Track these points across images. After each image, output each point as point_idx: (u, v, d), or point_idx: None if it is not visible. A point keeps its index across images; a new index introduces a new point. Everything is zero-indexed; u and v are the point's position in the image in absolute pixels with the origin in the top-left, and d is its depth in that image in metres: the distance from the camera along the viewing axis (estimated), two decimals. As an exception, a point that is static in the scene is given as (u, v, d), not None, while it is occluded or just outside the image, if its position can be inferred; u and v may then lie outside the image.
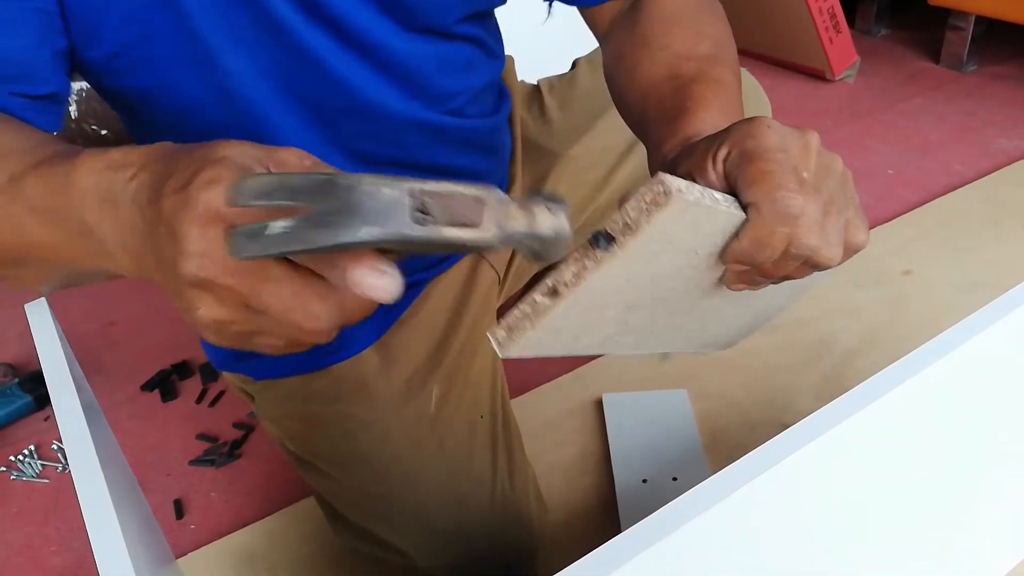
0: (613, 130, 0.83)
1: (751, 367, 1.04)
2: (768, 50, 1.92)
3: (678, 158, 0.43)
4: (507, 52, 0.82)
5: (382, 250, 0.30)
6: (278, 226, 0.27)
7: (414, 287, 0.74)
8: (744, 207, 0.37)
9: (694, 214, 0.35)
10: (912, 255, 1.21)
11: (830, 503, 0.46)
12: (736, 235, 0.38)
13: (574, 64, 0.92)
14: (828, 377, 1.01)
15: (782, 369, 1.03)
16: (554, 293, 0.36)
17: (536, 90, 0.90)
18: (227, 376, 0.79)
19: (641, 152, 0.82)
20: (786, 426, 0.99)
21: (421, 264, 0.74)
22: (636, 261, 0.36)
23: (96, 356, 1.20)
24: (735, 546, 0.41)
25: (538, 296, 0.36)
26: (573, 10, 0.66)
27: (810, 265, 0.39)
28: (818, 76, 1.84)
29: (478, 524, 0.71)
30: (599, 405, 1.01)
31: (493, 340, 0.37)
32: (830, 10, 1.72)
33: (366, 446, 0.69)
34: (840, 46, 1.78)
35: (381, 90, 0.60)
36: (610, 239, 0.35)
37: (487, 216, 0.30)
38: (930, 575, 0.62)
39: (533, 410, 1.01)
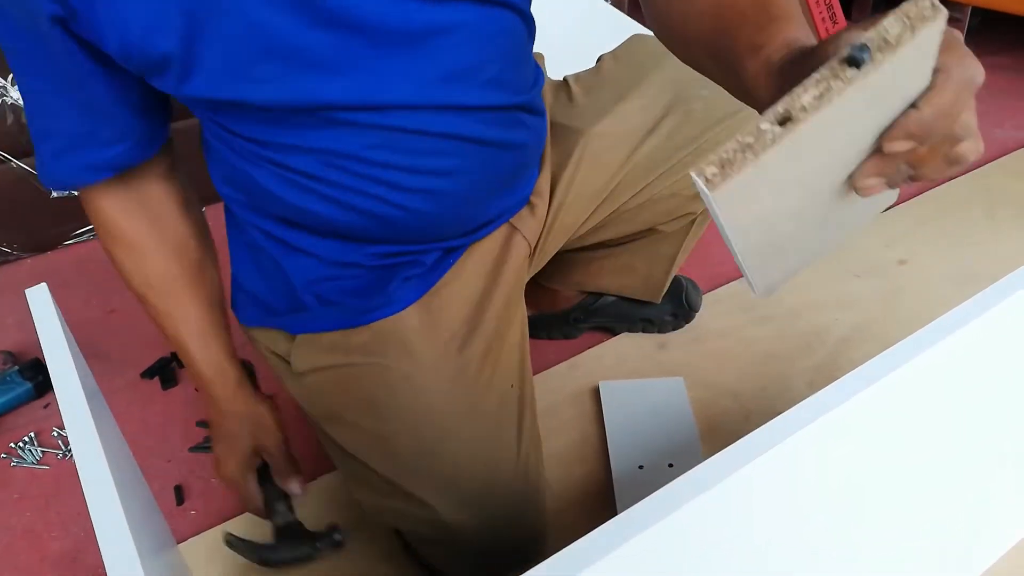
0: (636, 112, 0.84)
1: (746, 356, 1.05)
2: (766, 40, 1.91)
3: (797, 58, 0.42)
4: (537, 50, 0.82)
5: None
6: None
7: (455, 251, 0.76)
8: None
9: (932, 45, 0.33)
10: (908, 245, 1.22)
11: (823, 488, 0.47)
12: (913, 105, 0.36)
13: (599, 59, 0.93)
14: (822, 367, 1.02)
15: (777, 358, 1.04)
16: (786, 120, 0.32)
17: (563, 82, 0.91)
18: (254, 335, 0.80)
19: (660, 133, 0.83)
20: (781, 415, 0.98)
21: (467, 228, 0.75)
22: (854, 103, 0.32)
23: (96, 343, 1.21)
24: (729, 529, 0.42)
25: (764, 124, 0.32)
26: (601, 12, 0.65)
27: (950, 159, 0.39)
28: (815, 66, 1.84)
29: (503, 487, 0.73)
30: (596, 393, 1.02)
31: (699, 178, 0.33)
32: (827, 2, 1.72)
33: (404, 398, 0.71)
34: (837, 37, 1.78)
35: (400, 74, 0.61)
36: (869, 55, 0.31)
37: None
38: (919, 560, 0.63)
39: (530, 398, 1.02)
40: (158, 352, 1.16)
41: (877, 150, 0.38)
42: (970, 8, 1.74)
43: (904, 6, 0.32)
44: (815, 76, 0.32)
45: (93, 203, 0.71)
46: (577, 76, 0.91)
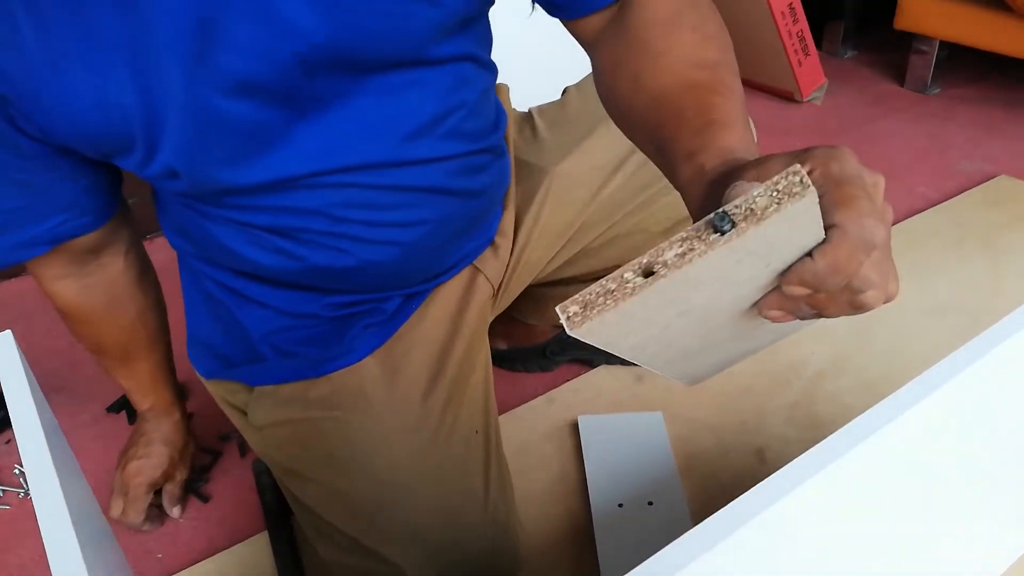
0: (600, 150, 0.84)
1: (723, 390, 1.05)
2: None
3: (730, 172, 0.42)
4: (501, 80, 0.82)
5: None
6: None
7: (417, 297, 0.75)
8: (825, 229, 0.36)
9: (808, 217, 0.34)
10: (880, 277, 1.23)
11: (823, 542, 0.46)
12: (809, 255, 0.37)
13: (564, 91, 0.93)
14: (799, 401, 1.02)
15: (753, 392, 1.04)
16: (649, 273, 0.33)
17: (528, 115, 0.91)
18: (212, 388, 0.78)
19: (626, 172, 0.83)
20: (759, 450, 0.99)
21: (428, 275, 0.74)
22: (734, 256, 0.34)
23: (60, 376, 1.17)
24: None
25: (628, 273, 0.34)
26: (564, 41, 0.65)
27: (853, 305, 0.39)
28: (787, 97, 1.87)
29: (470, 538, 0.71)
30: (574, 427, 1.01)
31: (562, 315, 0.34)
32: (799, 33, 1.76)
33: (363, 453, 0.69)
34: (809, 69, 1.81)
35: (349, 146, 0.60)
36: (731, 224, 0.32)
37: None
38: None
39: (508, 433, 1.00)
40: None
41: (779, 286, 0.39)
42: (938, 42, 1.78)
43: (775, 179, 0.33)
44: (681, 234, 0.33)
45: (44, 281, 0.70)
46: (541, 109, 0.91)
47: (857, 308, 0.39)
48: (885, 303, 0.40)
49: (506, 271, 0.82)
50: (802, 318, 0.41)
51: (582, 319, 0.34)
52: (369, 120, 0.60)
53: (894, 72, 1.96)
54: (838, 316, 0.40)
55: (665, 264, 0.33)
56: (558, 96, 0.94)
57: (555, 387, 1.07)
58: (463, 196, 0.69)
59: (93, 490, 0.97)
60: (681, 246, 0.33)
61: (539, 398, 1.06)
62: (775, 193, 0.32)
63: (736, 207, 0.33)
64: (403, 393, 0.71)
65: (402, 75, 0.60)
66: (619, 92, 0.56)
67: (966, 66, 1.91)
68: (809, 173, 0.38)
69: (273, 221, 0.63)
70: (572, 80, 0.93)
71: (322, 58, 0.55)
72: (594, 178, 0.83)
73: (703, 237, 0.33)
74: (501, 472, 0.76)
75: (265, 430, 0.73)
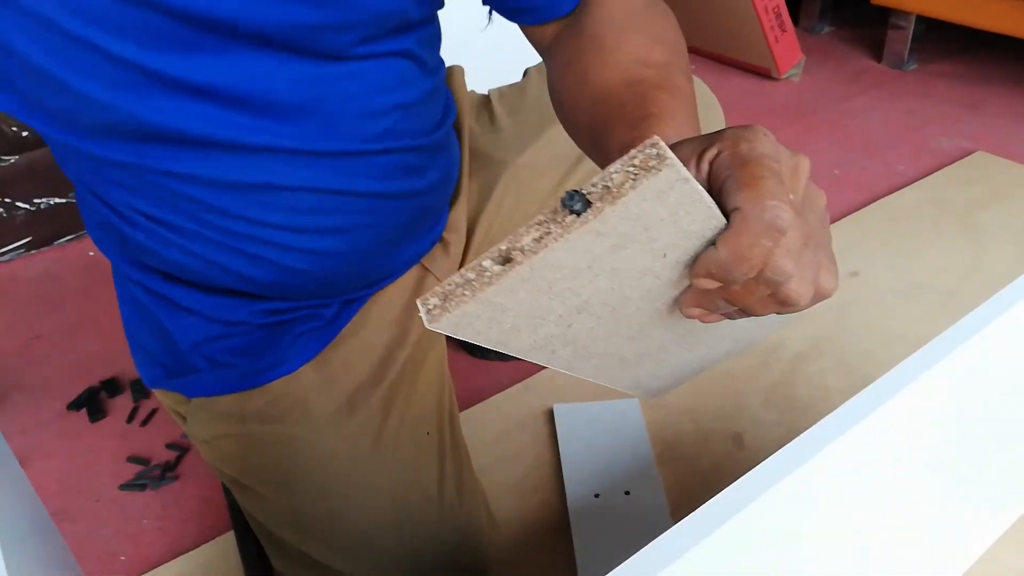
0: (563, 139, 0.80)
1: (702, 374, 1.03)
2: (715, 48, 1.92)
3: None
4: (457, 62, 0.78)
5: None
6: None
7: (354, 303, 0.71)
8: (727, 214, 0.34)
9: (679, 196, 0.31)
10: (858, 257, 1.22)
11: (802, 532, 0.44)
12: (713, 243, 0.34)
13: (525, 73, 0.90)
14: (778, 384, 1.00)
15: (731, 375, 1.02)
16: (507, 260, 0.31)
17: (486, 99, 0.87)
18: (159, 395, 0.75)
19: (590, 162, 0.80)
20: (738, 435, 0.98)
21: (367, 281, 0.70)
22: (604, 240, 0.31)
23: (19, 373, 1.13)
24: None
25: (486, 261, 0.31)
26: None
27: (776, 300, 0.36)
28: (764, 75, 1.84)
29: (425, 542, 0.68)
30: (550, 416, 0.99)
31: (422, 308, 0.32)
32: (776, 9, 1.73)
33: (307, 465, 0.66)
34: (786, 45, 1.78)
35: (268, 130, 0.56)
36: (585, 204, 0.30)
37: None
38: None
39: (482, 422, 0.98)
40: (86, 381, 1.10)
41: None
42: (915, 17, 1.77)
43: (632, 153, 0.30)
44: (539, 216, 0.31)
45: None
46: (501, 93, 0.87)
47: (783, 304, 0.36)
48: (819, 300, 0.38)
49: (460, 267, 0.79)
50: (729, 317, 0.39)
51: (441, 311, 0.32)
52: (291, 119, 0.56)
53: (871, 48, 1.94)
54: (765, 313, 0.37)
55: (522, 250, 0.31)
56: (519, 76, 0.91)
57: (531, 375, 1.05)
58: (399, 198, 0.65)
59: (53, 493, 0.94)
60: (538, 230, 0.30)
61: (515, 386, 1.03)
62: (631, 168, 0.30)
63: (593, 185, 0.30)
64: (343, 401, 0.67)
65: (326, 67, 0.56)
66: (567, 89, 0.54)
67: (943, 41, 1.90)
68: (717, 155, 0.35)
69: (177, 216, 0.59)
70: (533, 60, 0.90)
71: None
72: (557, 168, 0.81)
73: (559, 220, 0.30)
74: (460, 471, 0.73)
75: (207, 443, 0.70)
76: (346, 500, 0.66)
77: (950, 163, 1.45)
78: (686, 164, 0.36)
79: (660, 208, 0.31)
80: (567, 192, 0.30)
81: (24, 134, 1.30)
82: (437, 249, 0.75)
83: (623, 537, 0.81)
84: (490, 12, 0.63)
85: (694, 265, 0.35)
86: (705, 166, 0.36)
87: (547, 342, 0.38)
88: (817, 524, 0.46)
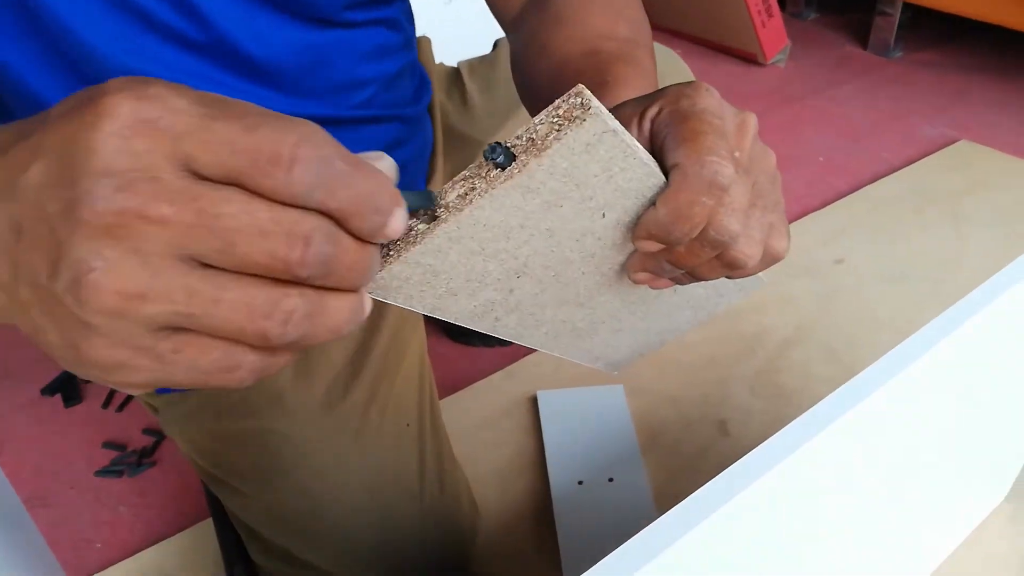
0: None
1: (686, 361, 1.03)
2: (702, 33, 1.91)
3: None
4: (423, 33, 0.76)
5: None
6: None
7: None
8: (667, 172, 0.33)
9: (609, 151, 0.30)
10: (843, 244, 1.22)
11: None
12: (653, 203, 0.33)
13: (495, 45, 0.88)
14: (762, 370, 1.00)
15: (717, 363, 1.02)
16: (433, 217, 0.29)
17: (456, 73, 0.85)
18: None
19: None
20: (722, 422, 0.97)
21: None
22: (534, 197, 0.30)
23: (-8, 356, 1.11)
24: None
25: (412, 220, 0.30)
26: None
27: (724, 263, 0.35)
28: (751, 60, 1.84)
29: (406, 536, 0.67)
30: (533, 403, 0.98)
31: None
32: (763, -6, 1.72)
33: (285, 461, 0.65)
34: (772, 31, 1.78)
35: (262, 97, 0.54)
36: (510, 156, 0.28)
37: None
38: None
39: (466, 409, 0.97)
40: (60, 366, 1.07)
41: None
42: (901, 3, 1.76)
43: (556, 103, 0.28)
44: (464, 173, 0.30)
45: None
46: (472, 67, 0.85)
47: (730, 266, 0.35)
48: (769, 262, 0.37)
49: None
50: (678, 281, 0.37)
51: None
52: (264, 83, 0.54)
53: (857, 35, 1.94)
54: (714, 277, 0.36)
55: (447, 207, 0.29)
56: (487, 47, 0.89)
57: (515, 361, 1.04)
58: None
59: (27, 479, 0.92)
60: (463, 186, 0.29)
61: (498, 373, 1.02)
62: (556, 119, 0.28)
63: (517, 137, 0.29)
64: (320, 395, 0.66)
65: (316, 33, 0.54)
66: (526, 62, 0.53)
67: (929, 29, 1.90)
68: (659, 112, 0.34)
69: None
70: (501, 31, 0.89)
71: None
72: None
73: (483, 174, 0.29)
74: (440, 462, 0.72)
75: (181, 437, 0.68)
76: (325, 496, 0.65)
77: (935, 151, 1.45)
78: (627, 124, 0.35)
79: (591, 163, 0.30)
80: (489, 144, 0.29)
81: None
82: None
83: (607, 524, 0.81)
84: None
85: (635, 227, 0.34)
86: (647, 124, 0.34)
87: (489, 308, 0.36)
88: (803, 515, 0.45)
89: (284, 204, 0.23)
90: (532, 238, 0.32)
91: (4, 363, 1.10)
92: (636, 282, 0.37)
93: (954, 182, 1.36)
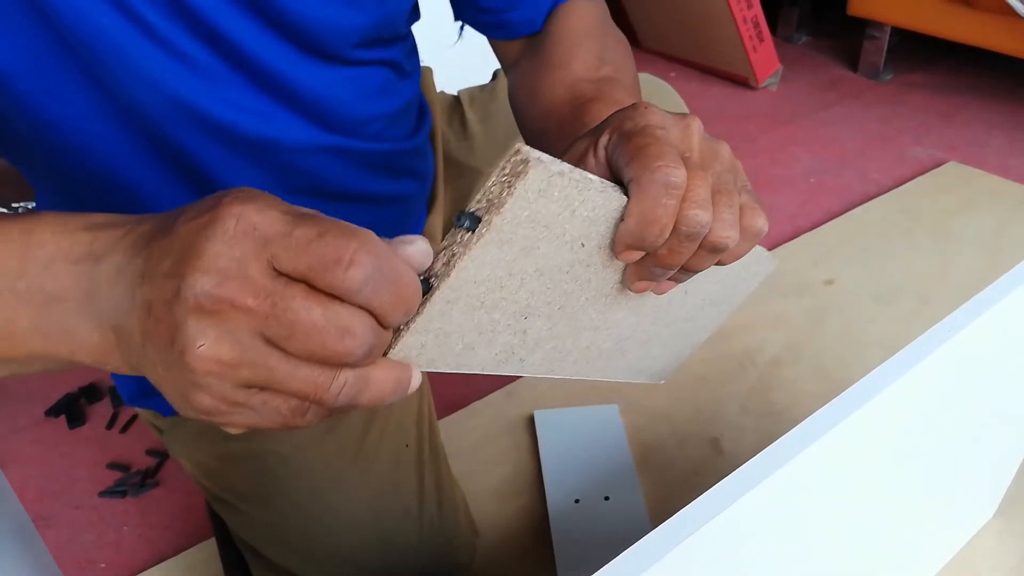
0: None
1: (678, 379, 1.04)
2: (694, 57, 1.94)
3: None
4: (426, 62, 0.79)
5: None
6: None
7: None
8: (627, 190, 0.36)
9: (563, 190, 0.33)
10: (833, 264, 1.24)
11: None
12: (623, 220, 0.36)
13: (494, 75, 0.90)
14: (754, 389, 1.02)
15: (708, 381, 1.04)
16: (428, 287, 0.33)
17: (456, 102, 0.87)
18: (139, 411, 0.75)
19: None
20: (715, 440, 0.99)
21: None
22: (510, 247, 0.33)
23: (-4, 378, 1.13)
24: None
25: None
26: None
27: (708, 249, 0.38)
28: (742, 83, 1.87)
29: (406, 558, 0.69)
30: (530, 422, 1.00)
31: None
32: (754, 19, 1.76)
33: (286, 482, 0.66)
34: (763, 54, 1.81)
35: (285, 123, 0.56)
36: (476, 220, 0.32)
37: None
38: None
39: (463, 429, 0.99)
40: (65, 387, 1.09)
41: None
42: (889, 28, 1.80)
43: (501, 165, 0.32)
44: (443, 243, 0.33)
45: None
46: (471, 96, 0.88)
47: (715, 250, 0.38)
48: (754, 239, 0.39)
49: None
50: (676, 280, 0.40)
51: (387, 348, 0.33)
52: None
53: (847, 58, 1.98)
54: (705, 266, 0.39)
55: (435, 275, 0.33)
56: (487, 76, 0.91)
57: (512, 381, 1.06)
58: (383, 202, 0.66)
59: (32, 499, 0.93)
60: (444, 255, 0.33)
61: (495, 392, 1.04)
62: (504, 178, 0.32)
63: (478, 202, 0.32)
64: None
65: (328, 69, 0.57)
66: (519, 106, 0.57)
67: (917, 52, 1.94)
68: (608, 139, 0.37)
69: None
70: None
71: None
72: None
73: (459, 240, 0.32)
74: (439, 482, 0.74)
75: (187, 459, 0.70)
76: (326, 516, 0.66)
77: (923, 172, 1.48)
78: (584, 156, 0.38)
79: (551, 204, 0.33)
80: (456, 214, 0.32)
81: None
82: None
83: (603, 542, 0.82)
84: (461, 27, 0.64)
85: (614, 243, 0.37)
86: (601, 152, 0.38)
87: (510, 352, 0.39)
88: (792, 530, 0.47)
89: (341, 300, 0.29)
90: (524, 282, 0.36)
91: (8, 385, 1.11)
92: (639, 291, 0.40)
93: (943, 203, 1.38)
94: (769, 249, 1.18)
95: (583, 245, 0.36)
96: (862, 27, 1.85)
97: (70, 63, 0.47)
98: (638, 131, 0.36)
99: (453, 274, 0.32)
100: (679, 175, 0.34)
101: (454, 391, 1.04)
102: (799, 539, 0.49)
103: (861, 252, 1.26)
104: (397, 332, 0.33)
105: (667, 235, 0.36)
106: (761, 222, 0.39)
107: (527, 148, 0.31)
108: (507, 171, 0.32)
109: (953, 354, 0.49)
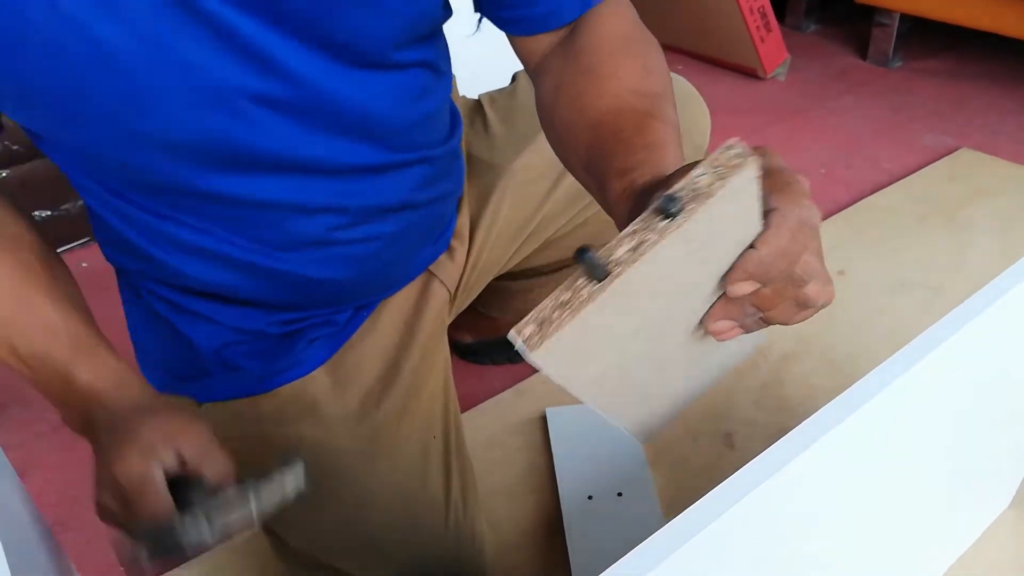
0: None
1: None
2: (701, 49, 1.93)
3: (657, 184, 0.42)
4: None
5: None
6: None
7: (364, 308, 0.73)
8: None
9: (748, 198, 0.33)
10: (844, 256, 1.23)
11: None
12: (751, 246, 0.36)
13: (514, 77, 0.91)
14: (767, 384, 1.02)
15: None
16: (602, 274, 0.30)
17: (478, 105, 0.88)
18: None
19: None
20: (728, 435, 0.99)
21: (384, 286, 0.72)
22: (688, 245, 0.32)
23: (16, 385, 1.14)
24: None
25: (580, 280, 0.31)
26: None
27: (799, 302, 0.39)
28: (751, 74, 1.86)
29: (432, 548, 0.70)
30: (542, 420, 1.00)
31: (518, 339, 0.31)
32: (761, 10, 1.74)
33: (318, 469, 0.67)
34: (771, 45, 1.80)
35: (324, 143, 0.57)
36: (680, 208, 0.30)
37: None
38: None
39: (476, 427, 0.99)
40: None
41: (724, 293, 0.38)
42: (899, 15, 1.78)
43: (714, 155, 0.32)
44: (630, 228, 0.31)
45: None
46: (492, 99, 0.89)
47: (803, 305, 0.39)
48: (823, 306, 0.40)
49: (463, 273, 0.80)
50: (748, 329, 0.40)
51: (540, 338, 0.31)
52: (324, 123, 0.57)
53: (856, 46, 1.96)
54: (784, 321, 0.40)
55: (619, 262, 0.30)
56: (506, 80, 0.92)
57: (523, 379, 1.06)
58: (424, 207, 0.68)
59: (52, 504, 0.95)
60: (632, 240, 0.31)
61: (507, 391, 1.04)
62: (717, 168, 0.31)
63: (680, 189, 0.31)
64: (355, 405, 0.69)
65: (371, 75, 0.57)
66: (559, 112, 0.56)
67: (927, 39, 1.92)
68: None
69: (217, 231, 0.60)
70: (520, 65, 0.92)
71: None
72: (551, 171, 0.82)
73: (653, 226, 0.31)
74: (463, 476, 0.75)
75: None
76: (356, 504, 0.67)
77: (935, 160, 1.47)
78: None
79: (732, 209, 0.33)
80: (664, 195, 0.31)
81: (16, 148, 1.31)
82: (443, 256, 0.77)
83: (616, 538, 0.83)
84: (479, 20, 0.64)
85: (732, 271, 0.37)
86: None
87: (605, 374, 0.37)
88: (807, 522, 0.47)
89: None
90: (664, 293, 0.35)
91: (27, 392, 1.13)
92: (714, 332, 0.40)
93: (955, 190, 1.37)
94: (779, 242, 1.17)
95: (705, 263, 0.35)
96: (871, 14, 1.83)
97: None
98: (776, 170, 0.37)
99: (639, 263, 0.30)
100: (817, 216, 0.36)
101: (464, 389, 1.05)
102: (813, 531, 0.49)
103: (873, 242, 1.26)
104: (546, 322, 0.31)
105: (786, 275, 0.37)
106: (832, 290, 0.40)
107: (743, 143, 0.31)
108: (721, 162, 0.31)
109: (966, 343, 0.48)
